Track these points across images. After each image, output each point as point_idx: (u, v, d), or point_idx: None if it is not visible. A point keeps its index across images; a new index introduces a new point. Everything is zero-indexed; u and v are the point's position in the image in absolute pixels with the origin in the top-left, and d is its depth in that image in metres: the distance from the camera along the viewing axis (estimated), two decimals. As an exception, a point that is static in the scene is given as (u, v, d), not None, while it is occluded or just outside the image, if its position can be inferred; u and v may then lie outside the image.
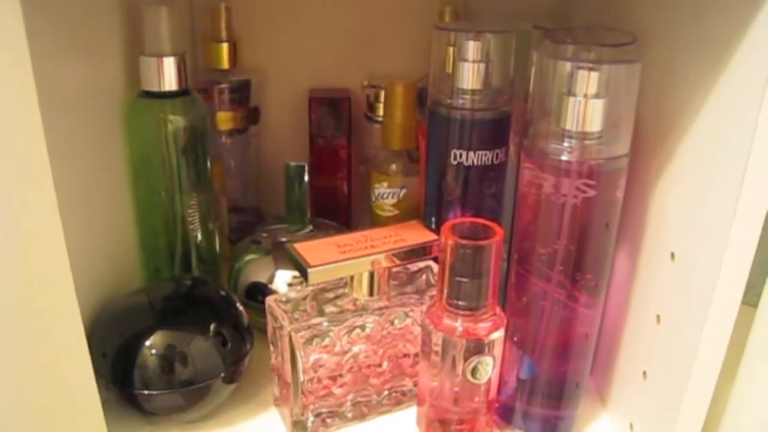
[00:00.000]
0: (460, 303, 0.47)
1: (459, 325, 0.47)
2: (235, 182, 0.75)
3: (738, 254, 0.39)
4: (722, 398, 0.47)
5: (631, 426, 0.51)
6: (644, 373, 0.49)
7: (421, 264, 0.56)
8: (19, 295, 0.42)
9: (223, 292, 0.56)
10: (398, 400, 0.55)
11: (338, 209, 0.76)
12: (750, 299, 0.44)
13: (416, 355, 0.54)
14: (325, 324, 0.49)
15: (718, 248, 0.39)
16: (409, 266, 0.55)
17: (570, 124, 0.44)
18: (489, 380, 0.50)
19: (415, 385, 0.55)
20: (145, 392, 0.49)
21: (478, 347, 0.48)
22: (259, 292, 0.59)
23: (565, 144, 0.44)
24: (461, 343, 0.48)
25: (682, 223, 0.44)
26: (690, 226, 0.43)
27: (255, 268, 0.61)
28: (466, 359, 0.48)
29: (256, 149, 0.76)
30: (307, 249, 0.49)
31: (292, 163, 0.63)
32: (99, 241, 0.53)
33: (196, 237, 0.62)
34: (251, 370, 0.55)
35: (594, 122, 0.43)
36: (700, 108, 0.41)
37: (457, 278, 0.46)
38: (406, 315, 0.52)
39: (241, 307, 0.55)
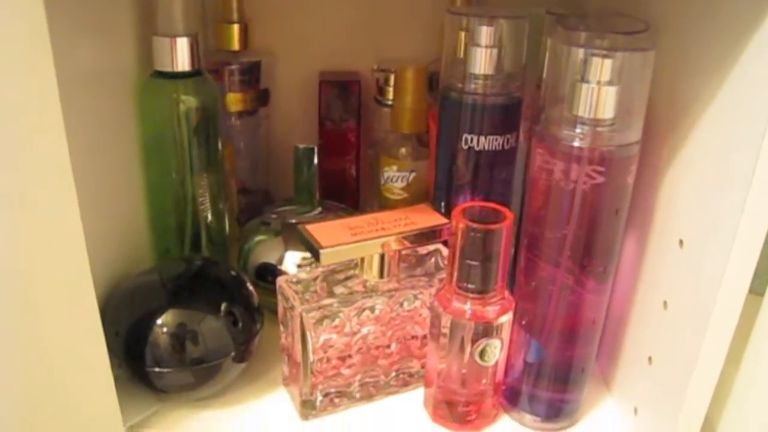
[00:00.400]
0: (469, 286, 0.48)
1: (468, 308, 0.48)
2: (244, 164, 0.75)
3: (747, 243, 0.39)
4: (727, 384, 0.48)
5: (636, 410, 0.52)
6: (650, 358, 0.49)
7: (431, 247, 0.56)
8: (36, 274, 0.42)
9: (233, 272, 0.56)
10: (406, 381, 0.56)
11: (346, 192, 0.76)
12: (756, 288, 0.44)
13: (424, 337, 0.54)
14: (336, 305, 0.50)
15: (728, 236, 0.40)
16: (418, 249, 0.56)
17: (582, 111, 0.44)
18: (496, 363, 0.50)
19: (423, 366, 0.55)
20: (156, 370, 0.49)
21: (486, 330, 0.48)
22: (268, 273, 0.60)
23: (578, 130, 0.44)
24: (470, 325, 0.48)
25: (691, 211, 0.44)
26: (699, 214, 0.43)
27: (264, 249, 0.61)
28: (474, 342, 0.49)
29: (266, 131, 0.76)
30: (318, 230, 0.49)
31: (302, 146, 0.63)
32: (110, 220, 0.54)
33: (207, 217, 0.62)
34: (261, 350, 0.55)
35: (606, 109, 0.43)
36: (714, 96, 0.42)
37: (467, 261, 0.47)
38: (415, 297, 0.53)
39: (251, 287, 0.55)
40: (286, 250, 0.60)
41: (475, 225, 0.46)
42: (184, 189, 0.60)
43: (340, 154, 0.75)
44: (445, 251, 0.55)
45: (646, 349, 0.50)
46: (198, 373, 0.50)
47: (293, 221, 0.61)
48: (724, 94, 0.41)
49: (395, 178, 0.65)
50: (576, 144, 0.44)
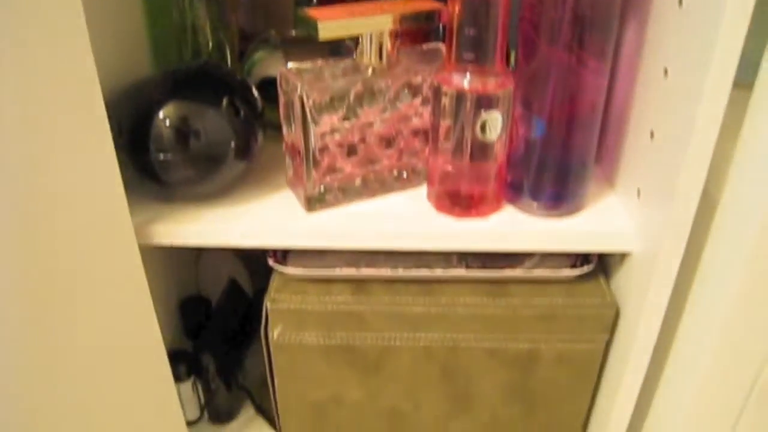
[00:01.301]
0: (468, 56, 0.47)
1: (468, 80, 0.48)
2: (243, 9, 0.74)
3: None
4: (724, 159, 0.48)
5: (639, 192, 0.52)
6: (651, 132, 0.50)
7: (432, 46, 0.56)
8: (44, 79, 0.42)
9: (238, 77, 0.56)
10: (409, 178, 0.56)
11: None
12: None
13: (426, 133, 0.54)
14: (337, 89, 0.50)
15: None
16: (419, 46, 0.56)
17: None
18: (498, 144, 0.50)
19: (426, 164, 0.56)
20: (161, 157, 0.50)
21: (487, 102, 0.48)
22: (271, 87, 0.60)
23: None
24: (470, 98, 0.48)
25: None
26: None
27: (265, 65, 0.61)
28: (475, 116, 0.49)
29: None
30: (318, 12, 0.49)
31: None
32: (112, 41, 0.54)
33: (208, 45, 0.62)
34: (264, 164, 0.56)
35: None
36: None
37: (466, 31, 0.47)
38: (417, 90, 0.53)
39: (256, 92, 0.55)
40: (287, 62, 0.60)
41: (473, -11, 0.46)
42: (183, 15, 0.60)
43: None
44: (444, 49, 0.55)
45: (648, 123, 0.50)
46: (200, 162, 0.51)
47: (293, 35, 0.61)
48: None
49: None
50: None
